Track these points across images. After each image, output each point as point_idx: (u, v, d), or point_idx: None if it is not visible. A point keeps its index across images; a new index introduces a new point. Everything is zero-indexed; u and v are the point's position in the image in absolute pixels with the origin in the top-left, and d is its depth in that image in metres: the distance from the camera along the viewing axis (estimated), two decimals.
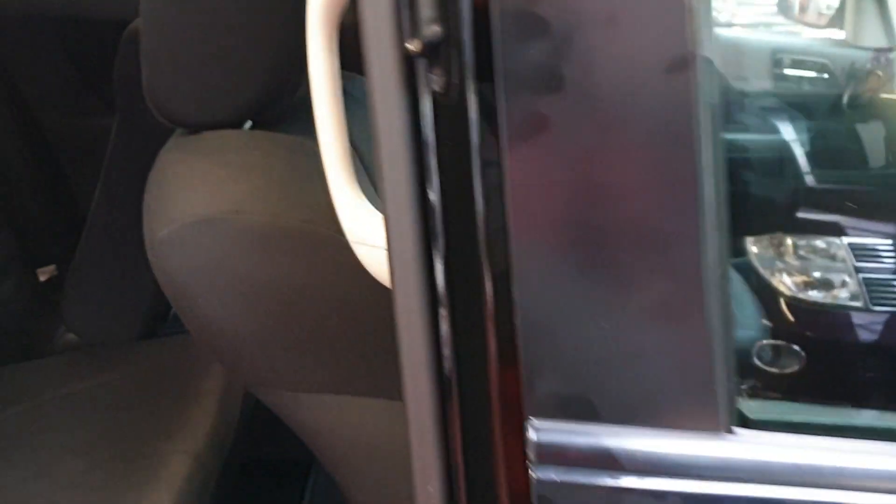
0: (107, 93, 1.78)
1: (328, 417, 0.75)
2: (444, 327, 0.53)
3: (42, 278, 1.83)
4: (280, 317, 0.71)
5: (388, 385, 0.60)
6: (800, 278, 1.08)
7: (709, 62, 0.48)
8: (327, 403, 0.74)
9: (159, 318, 1.55)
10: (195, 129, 0.82)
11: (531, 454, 0.53)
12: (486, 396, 0.54)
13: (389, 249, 0.52)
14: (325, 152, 0.62)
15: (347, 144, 0.63)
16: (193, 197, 0.73)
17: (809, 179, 1.38)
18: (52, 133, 1.85)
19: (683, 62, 0.46)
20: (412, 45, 0.47)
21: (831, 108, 2.05)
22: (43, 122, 1.84)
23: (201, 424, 1.20)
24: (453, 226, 0.51)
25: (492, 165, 0.49)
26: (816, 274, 1.10)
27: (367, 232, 0.61)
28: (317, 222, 0.69)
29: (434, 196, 0.50)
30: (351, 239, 0.62)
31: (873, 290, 1.04)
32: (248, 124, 0.87)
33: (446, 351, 0.53)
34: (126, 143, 1.51)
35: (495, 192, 0.50)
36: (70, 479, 1.16)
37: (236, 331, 0.72)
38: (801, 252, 1.15)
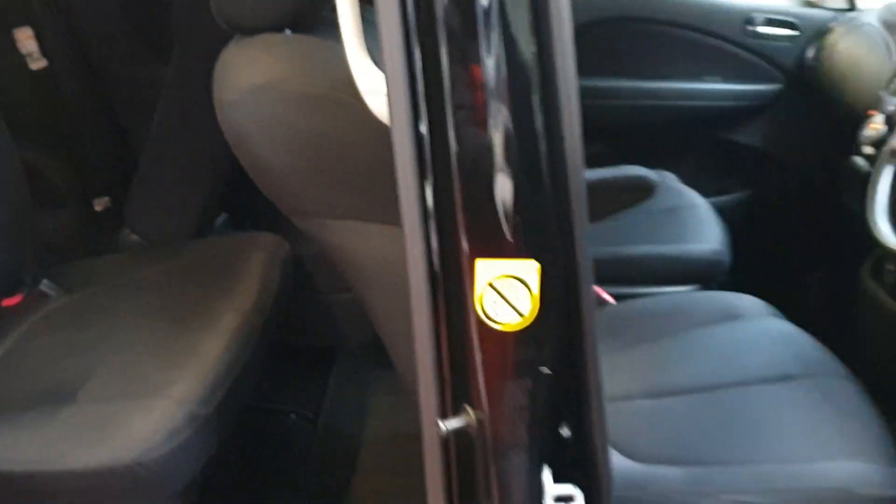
0: (158, 45, 2.05)
1: (352, 240, 1.02)
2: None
3: (98, 208, 2.10)
4: (314, 158, 0.98)
5: (398, 214, 0.85)
6: None
7: None
8: (350, 228, 1.01)
9: (208, 221, 1.82)
10: (248, 32, 1.09)
11: None
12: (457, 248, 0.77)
13: (392, 123, 0.77)
14: (344, 29, 0.89)
15: (360, 25, 0.90)
16: (249, 71, 1.00)
17: None
18: (110, 79, 2.11)
19: None
20: None
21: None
22: (102, 69, 2.10)
23: (247, 292, 1.47)
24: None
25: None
26: None
27: (373, 83, 0.88)
28: (340, 90, 0.96)
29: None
30: (362, 89, 0.88)
31: None
32: (288, 32, 1.14)
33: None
34: (182, 76, 1.78)
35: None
36: (138, 335, 1.43)
37: (282, 169, 0.99)
38: None
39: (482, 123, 0.78)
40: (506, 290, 0.80)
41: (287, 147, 0.99)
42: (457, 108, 0.77)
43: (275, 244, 1.62)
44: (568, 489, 0.89)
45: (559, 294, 0.82)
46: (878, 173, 1.42)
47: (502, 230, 0.79)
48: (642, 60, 2.35)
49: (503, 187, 0.78)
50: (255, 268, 1.56)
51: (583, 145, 0.81)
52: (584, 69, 2.36)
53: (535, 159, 0.79)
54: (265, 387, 1.81)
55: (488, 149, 0.77)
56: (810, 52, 2.27)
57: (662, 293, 1.83)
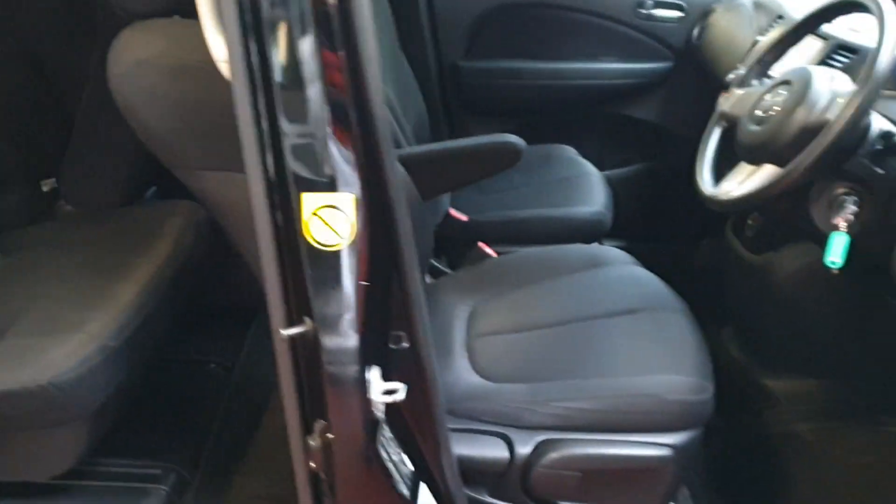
0: (93, 33, 2.21)
1: (223, 189, 1.21)
2: None
3: (45, 188, 2.26)
4: (189, 119, 1.17)
5: None
6: None
7: None
8: (222, 178, 1.19)
9: (137, 193, 2.00)
10: (141, 17, 1.28)
11: None
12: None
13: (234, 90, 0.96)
14: (200, 7, 1.08)
15: (214, 3, 1.09)
16: (134, 48, 1.19)
17: None
18: (52, 67, 2.27)
19: None
20: None
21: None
22: (44, 58, 2.25)
23: (162, 248, 1.66)
24: None
25: None
26: None
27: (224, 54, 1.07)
28: (209, 61, 1.15)
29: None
30: (216, 59, 1.07)
31: None
32: (176, 17, 1.33)
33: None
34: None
35: None
36: (61, 286, 1.60)
37: (163, 130, 1.18)
38: None
39: (300, 86, 0.96)
40: (328, 218, 1.00)
41: (166, 111, 1.18)
42: (283, 82, 0.96)
43: (191, 210, 1.81)
44: (394, 385, 1.09)
45: (374, 219, 1.01)
46: (709, 133, 1.64)
47: (322, 169, 0.99)
48: (543, 43, 2.55)
49: (321, 139, 0.98)
50: (171, 229, 1.75)
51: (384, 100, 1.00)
52: (489, 52, 2.61)
53: (344, 113, 0.98)
54: (191, 341, 2.01)
55: (305, 104, 0.97)
56: (695, 32, 2.49)
57: None
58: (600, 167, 2.47)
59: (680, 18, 2.51)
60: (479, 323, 1.62)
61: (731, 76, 1.70)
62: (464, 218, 2.03)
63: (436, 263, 2.01)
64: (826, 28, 1.77)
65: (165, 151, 1.22)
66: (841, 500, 1.71)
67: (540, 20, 2.54)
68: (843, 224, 1.35)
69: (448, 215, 2.04)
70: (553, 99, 2.60)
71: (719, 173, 1.62)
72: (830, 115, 1.29)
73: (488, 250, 1.90)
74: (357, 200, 1.00)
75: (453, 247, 2.01)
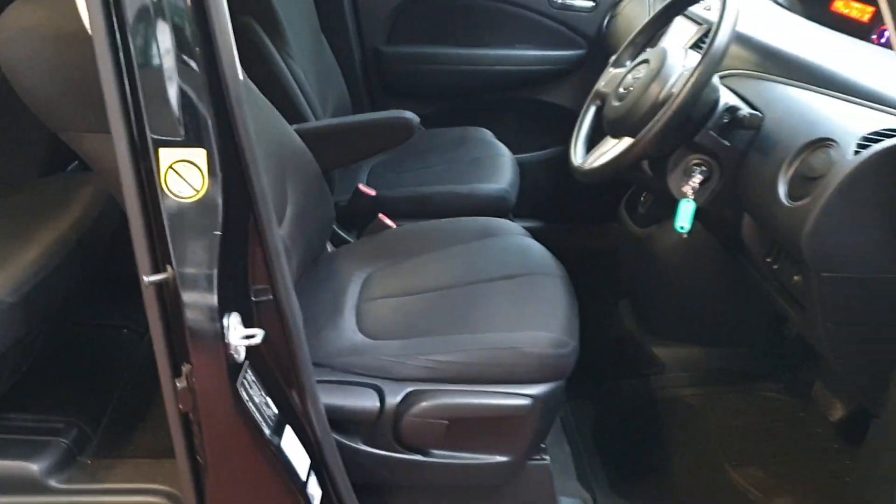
0: None
1: (102, 149, 1.28)
2: None
3: None
4: (69, 84, 1.24)
5: None
6: None
7: None
8: (101, 140, 1.27)
9: (56, 165, 2.06)
10: None
11: None
12: None
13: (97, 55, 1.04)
14: None
15: None
16: (17, 18, 1.26)
17: None
18: None
19: None
20: None
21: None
22: None
23: (68, 214, 1.73)
24: None
25: None
26: None
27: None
28: (84, 30, 1.23)
29: None
30: (87, 26, 1.15)
31: None
32: None
33: None
34: None
35: None
36: None
37: (46, 94, 1.25)
38: None
39: (156, 49, 1.05)
40: (183, 171, 1.09)
41: (46, 77, 1.25)
42: (141, 44, 1.04)
43: None
44: (253, 331, 1.18)
45: (229, 174, 1.10)
46: (585, 111, 1.74)
47: (177, 127, 1.07)
48: (462, 30, 2.65)
49: (174, 96, 1.06)
50: (82, 197, 1.82)
51: (237, 68, 1.08)
52: (410, 38, 2.71)
53: (197, 73, 1.06)
54: (106, 307, 2.08)
55: (161, 70, 1.05)
56: (606, 21, 2.61)
57: None
58: (518, 150, 2.57)
59: (592, 8, 2.62)
60: (371, 288, 1.71)
61: (612, 59, 1.81)
62: (372, 193, 2.13)
63: (343, 234, 2.09)
64: (703, 13, 1.89)
65: (49, 115, 1.29)
66: (716, 459, 1.82)
67: (459, 8, 2.64)
68: (689, 191, 1.46)
69: (357, 190, 2.13)
70: (471, 84, 2.70)
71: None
72: (676, 90, 1.40)
73: (388, 221, 1.99)
74: (209, 156, 1.08)
75: (363, 220, 2.10)
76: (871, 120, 1.24)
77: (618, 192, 2.21)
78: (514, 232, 1.88)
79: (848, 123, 1.26)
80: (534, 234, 2.56)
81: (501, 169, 2.32)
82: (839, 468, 1.70)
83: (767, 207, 1.33)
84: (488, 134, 2.56)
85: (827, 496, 1.67)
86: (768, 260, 1.44)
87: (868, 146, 1.18)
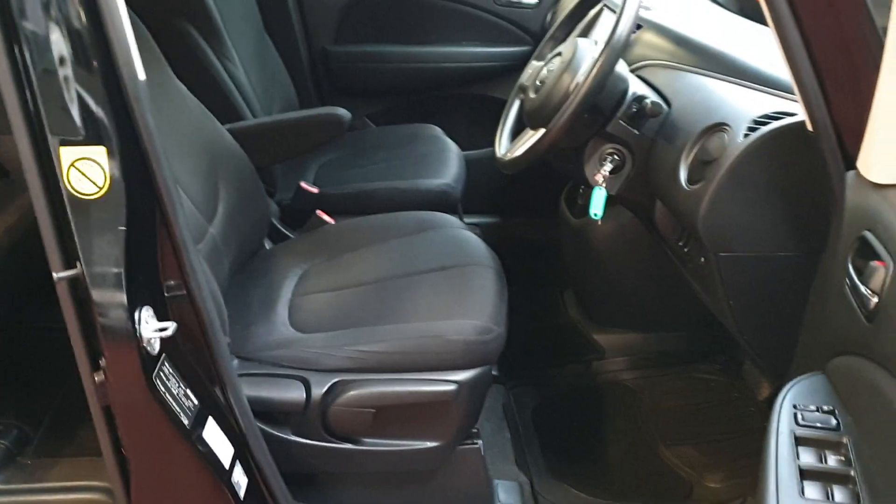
0: None
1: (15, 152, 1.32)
2: None
3: None
4: None
5: None
6: None
7: None
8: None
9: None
10: None
11: None
12: None
13: None
14: None
15: None
16: None
17: None
18: None
19: None
20: None
21: None
22: None
23: (4, 220, 1.77)
24: None
25: None
26: None
27: None
28: None
29: None
30: None
31: None
32: None
33: None
34: None
35: None
36: None
37: None
38: None
39: (55, 56, 1.08)
40: (85, 169, 1.12)
41: None
42: (36, 55, 1.07)
43: None
44: (166, 324, 1.21)
45: (128, 170, 1.13)
46: (510, 104, 1.78)
47: (77, 126, 1.10)
48: (409, 28, 2.69)
49: (72, 96, 1.09)
50: (20, 202, 1.85)
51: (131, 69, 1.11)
52: (357, 36, 2.74)
53: (90, 76, 1.09)
54: (48, 310, 2.10)
55: (57, 71, 1.08)
56: (549, 17, 2.64)
57: None
58: (469, 147, 2.61)
59: (535, 4, 2.67)
60: (306, 283, 1.75)
61: (535, 53, 1.85)
62: (314, 190, 2.16)
63: (286, 231, 2.12)
64: None
65: None
66: (651, 440, 1.87)
67: (406, 6, 2.68)
68: (600, 179, 1.50)
69: (299, 188, 2.16)
70: (420, 81, 2.73)
71: None
72: (582, 80, 1.44)
73: (326, 217, 2.02)
74: (109, 153, 1.11)
75: (306, 217, 2.13)
76: (762, 103, 1.28)
77: (560, 186, 2.25)
78: (452, 225, 1.91)
79: (741, 107, 1.30)
80: (482, 228, 2.61)
81: (447, 164, 2.35)
82: None
83: (671, 192, 1.37)
84: (438, 131, 2.59)
85: (755, 472, 1.71)
86: (680, 243, 1.48)
87: (757, 129, 1.22)
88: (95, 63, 1.09)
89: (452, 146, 2.49)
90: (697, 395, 1.98)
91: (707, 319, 2.00)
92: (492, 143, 2.82)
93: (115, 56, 1.10)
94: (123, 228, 1.15)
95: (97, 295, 1.15)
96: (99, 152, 1.11)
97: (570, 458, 1.85)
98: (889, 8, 0.97)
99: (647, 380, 2.04)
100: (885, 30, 0.99)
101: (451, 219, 1.96)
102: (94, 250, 1.14)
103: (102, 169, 1.12)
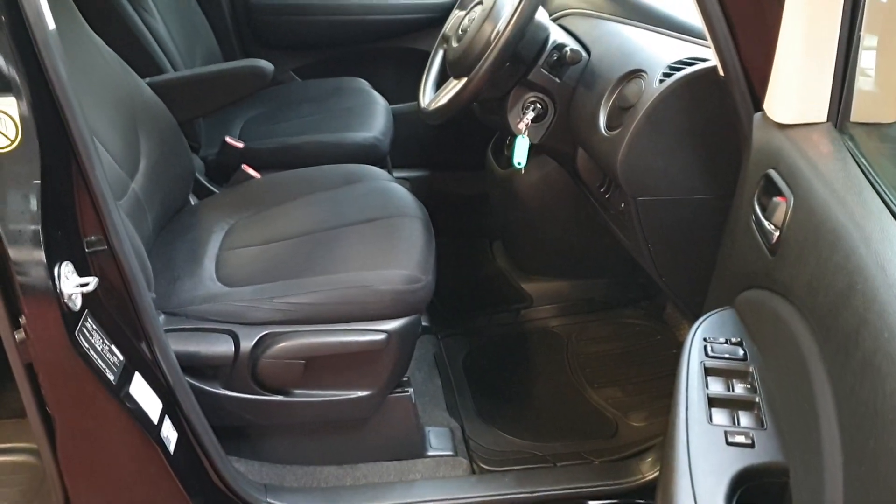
0: None
1: None
2: None
3: None
4: None
5: None
6: None
7: None
8: None
9: None
10: None
11: None
12: None
13: None
14: None
15: None
16: None
17: None
18: None
19: None
20: None
21: None
22: None
23: None
24: None
25: None
26: None
27: None
28: None
29: None
30: None
31: None
32: None
33: None
34: None
35: None
36: None
37: None
38: None
39: None
40: None
41: None
42: None
43: None
44: (87, 279, 1.19)
45: (40, 122, 1.10)
46: (434, 54, 1.78)
47: None
48: None
49: None
50: None
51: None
52: None
53: None
54: None
55: None
56: None
57: None
58: (396, 100, 2.60)
59: None
60: (233, 238, 1.73)
61: (459, 2, 1.84)
62: (239, 145, 2.13)
63: (211, 187, 2.10)
64: None
65: None
66: (578, 383, 1.92)
67: None
68: (523, 128, 1.52)
69: (224, 143, 2.13)
70: (345, 33, 2.70)
71: None
72: (502, 28, 1.45)
73: (252, 172, 2.00)
74: (19, 104, 1.08)
75: (231, 172, 2.10)
76: (677, 50, 1.31)
77: (487, 139, 2.27)
78: (379, 177, 1.92)
79: (657, 54, 1.33)
80: (411, 182, 2.62)
81: (373, 117, 2.34)
82: None
83: (591, 139, 1.40)
84: (364, 84, 2.57)
85: None
86: (601, 189, 1.52)
87: (672, 75, 1.25)
88: (2, 13, 1.06)
89: (380, 99, 2.48)
90: (622, 339, 2.05)
91: (631, 266, 2.07)
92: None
93: (22, 4, 1.07)
94: (38, 182, 1.12)
95: (14, 252, 1.13)
96: (9, 103, 1.08)
97: (500, 403, 1.90)
98: None
99: (574, 326, 2.09)
100: None
101: (379, 171, 1.96)
102: (9, 205, 1.12)
103: (13, 120, 1.09)
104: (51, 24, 1.11)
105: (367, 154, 2.22)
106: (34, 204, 1.12)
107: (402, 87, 2.79)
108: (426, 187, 2.66)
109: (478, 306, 2.21)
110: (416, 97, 2.79)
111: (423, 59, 2.75)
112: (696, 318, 1.17)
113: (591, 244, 2.04)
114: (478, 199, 2.44)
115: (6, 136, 1.09)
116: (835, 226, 0.81)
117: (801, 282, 0.84)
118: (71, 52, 1.37)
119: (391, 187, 1.87)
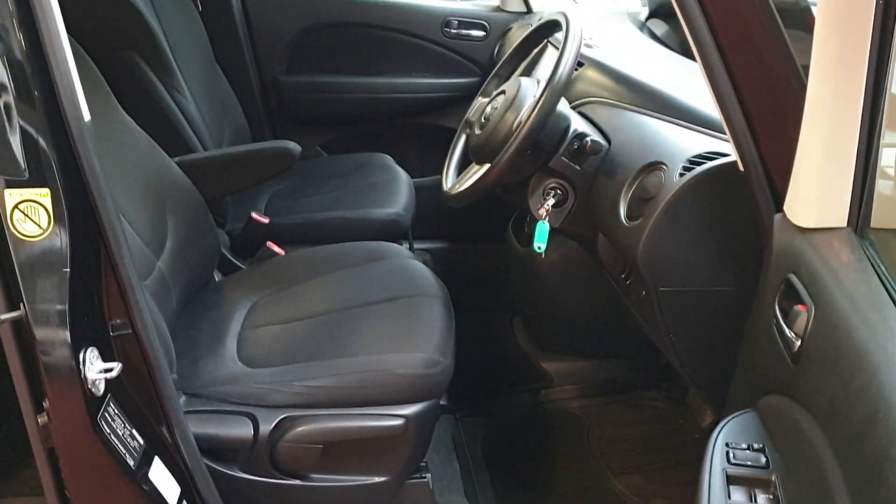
0: None
1: None
2: None
3: None
4: None
5: None
6: None
7: None
8: None
9: None
10: None
11: None
12: None
13: None
14: None
15: None
16: None
17: None
18: None
19: None
20: None
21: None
22: None
23: None
24: None
25: None
26: None
27: None
28: None
29: None
30: None
31: None
32: None
33: None
34: None
35: None
36: None
37: None
38: None
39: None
40: (28, 211, 1.11)
41: None
42: None
43: None
44: (111, 364, 1.20)
45: (72, 212, 1.13)
46: (457, 139, 1.81)
47: (20, 167, 1.10)
48: (360, 59, 2.72)
49: (16, 137, 1.09)
50: None
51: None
52: (308, 67, 2.75)
53: (34, 117, 1.09)
54: None
55: (0, 111, 1.08)
56: (496, 49, 2.69)
57: None
58: (419, 174, 2.64)
59: (483, 37, 2.71)
60: (256, 316, 1.75)
61: (482, 89, 1.88)
62: (265, 220, 2.16)
63: (237, 262, 2.12)
64: None
65: None
66: (599, 468, 1.90)
67: (356, 38, 2.70)
68: (543, 213, 1.53)
69: (250, 218, 2.16)
70: (370, 111, 2.76)
71: None
72: (524, 118, 1.47)
73: (276, 248, 2.03)
74: (54, 195, 1.11)
75: (256, 248, 2.13)
76: (699, 143, 1.33)
77: (508, 212, 2.29)
78: (400, 255, 1.93)
79: (677, 147, 1.34)
80: (432, 254, 2.63)
81: (397, 193, 2.38)
82: None
83: (612, 227, 1.41)
84: (388, 159, 2.62)
85: None
86: (623, 276, 1.52)
87: (692, 168, 1.27)
88: (39, 103, 1.09)
89: (402, 174, 2.52)
90: (644, 422, 2.02)
91: (652, 347, 2.06)
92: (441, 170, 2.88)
93: (59, 96, 1.10)
94: (67, 269, 1.14)
95: (41, 336, 1.15)
96: (43, 194, 1.11)
97: (520, 488, 1.87)
98: (810, 46, 1.01)
99: (595, 408, 2.07)
100: (806, 69, 1.03)
101: (400, 248, 1.98)
102: (38, 292, 1.14)
103: (47, 211, 1.12)
104: (86, 115, 1.14)
105: (389, 229, 2.24)
106: (62, 290, 1.14)
107: (425, 161, 2.84)
108: (447, 259, 2.68)
109: (497, 385, 2.20)
110: (438, 171, 2.86)
111: (446, 135, 2.81)
112: (719, 407, 1.15)
113: (612, 324, 2.03)
114: (498, 272, 2.45)
115: (38, 226, 1.12)
116: (856, 345, 0.80)
117: (824, 399, 0.84)
118: (103, 133, 1.41)
119: (412, 265, 1.89)
